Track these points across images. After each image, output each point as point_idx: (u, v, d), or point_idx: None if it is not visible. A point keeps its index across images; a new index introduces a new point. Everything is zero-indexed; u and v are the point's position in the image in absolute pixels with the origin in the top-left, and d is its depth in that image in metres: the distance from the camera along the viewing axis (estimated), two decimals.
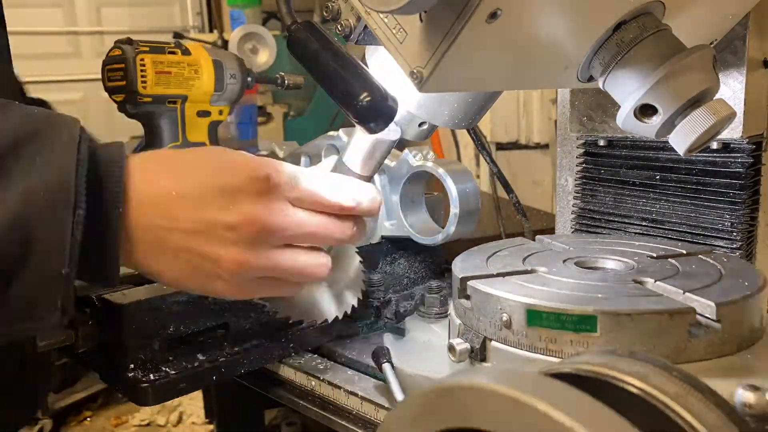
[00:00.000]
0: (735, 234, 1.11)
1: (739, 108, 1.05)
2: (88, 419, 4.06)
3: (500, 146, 4.02)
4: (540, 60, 0.83)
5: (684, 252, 1.04)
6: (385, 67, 0.95)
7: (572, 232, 1.35)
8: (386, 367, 1.00)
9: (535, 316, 0.85)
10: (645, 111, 0.79)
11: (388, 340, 1.14)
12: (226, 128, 3.43)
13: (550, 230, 1.44)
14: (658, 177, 1.19)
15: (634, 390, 0.51)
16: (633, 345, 0.79)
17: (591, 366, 0.54)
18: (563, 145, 1.39)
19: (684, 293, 0.85)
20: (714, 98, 0.78)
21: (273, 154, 1.56)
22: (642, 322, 0.80)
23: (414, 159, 1.27)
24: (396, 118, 0.99)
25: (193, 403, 4.10)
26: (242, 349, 1.13)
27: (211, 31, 5.82)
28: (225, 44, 4.20)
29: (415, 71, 0.75)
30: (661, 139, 0.80)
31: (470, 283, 0.93)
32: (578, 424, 0.39)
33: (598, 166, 1.28)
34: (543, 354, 0.85)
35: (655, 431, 0.47)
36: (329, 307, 1.14)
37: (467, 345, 0.92)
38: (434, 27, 0.72)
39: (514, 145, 4.05)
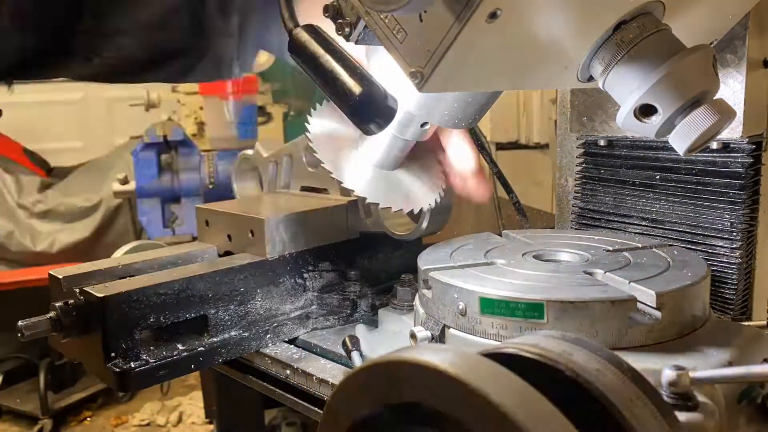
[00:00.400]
0: (735, 234, 1.11)
1: (738, 108, 1.05)
2: (88, 419, 4.09)
3: (500, 146, 3.98)
4: (540, 60, 0.83)
5: (639, 246, 1.07)
6: (385, 68, 0.95)
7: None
8: (354, 355, 1.03)
9: (487, 304, 0.89)
10: (645, 111, 0.79)
11: (360, 330, 1.17)
12: (227, 128, 3.44)
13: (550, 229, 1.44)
14: (658, 177, 1.19)
15: (559, 367, 0.55)
16: (578, 331, 0.83)
17: (521, 346, 0.59)
18: (563, 145, 1.39)
19: (629, 283, 0.88)
20: (714, 98, 0.78)
21: (257, 154, 1.56)
22: (586, 310, 0.84)
23: None
24: (398, 119, 1.02)
25: (193, 403, 4.11)
26: (220, 339, 1.16)
27: None
28: None
29: (415, 71, 0.76)
30: (661, 139, 0.81)
31: (431, 274, 0.97)
32: (495, 396, 0.45)
33: (598, 166, 1.28)
34: (495, 340, 0.89)
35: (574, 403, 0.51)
36: (422, 197, 1.15)
37: (428, 333, 0.96)
38: (434, 27, 0.72)
39: (514, 145, 4.02)
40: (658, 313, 0.85)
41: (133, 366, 1.06)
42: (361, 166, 1.14)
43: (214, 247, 1.33)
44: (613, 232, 1.21)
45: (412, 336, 0.96)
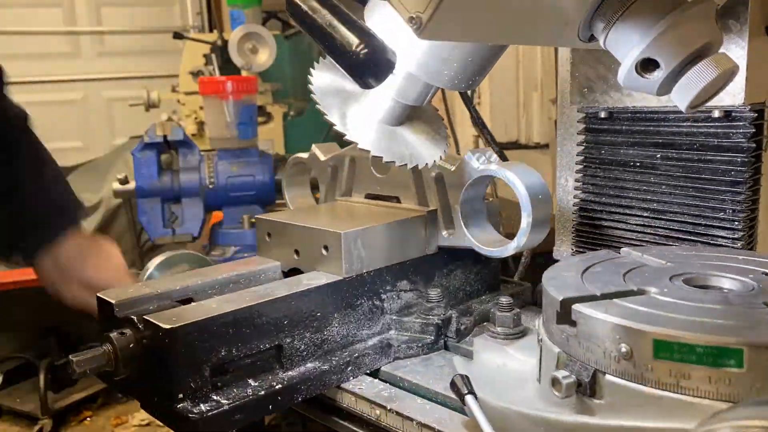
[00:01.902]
0: (736, 223, 1.06)
1: (741, 75, 1.01)
2: (88, 419, 3.92)
3: (500, 146, 3.82)
4: (540, 11, 0.80)
5: None
6: (384, 25, 0.89)
7: (575, 225, 1.28)
8: (470, 400, 0.84)
9: (664, 347, 0.71)
10: (646, 66, 0.76)
11: (459, 364, 0.98)
12: (227, 128, 3.28)
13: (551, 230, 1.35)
14: (659, 156, 1.14)
15: None
16: None
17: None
18: (563, 145, 1.32)
19: None
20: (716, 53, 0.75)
21: (313, 157, 1.36)
22: None
23: (477, 162, 1.10)
24: (398, 83, 0.96)
25: None
26: (298, 373, 0.98)
27: (210, 31, 5.66)
28: (225, 44, 4.07)
29: (414, 16, 0.74)
30: (661, 108, 0.83)
31: (578, 307, 0.78)
32: None
33: (599, 144, 1.21)
34: (673, 391, 0.71)
35: None
36: (426, 151, 1.05)
37: (573, 378, 0.77)
38: None
39: (514, 145, 3.91)
40: None
41: (204, 410, 0.87)
42: (366, 121, 1.02)
43: (278, 264, 1.13)
44: (725, 249, 1.07)
45: (556, 382, 0.77)
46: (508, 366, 0.95)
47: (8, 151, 1.48)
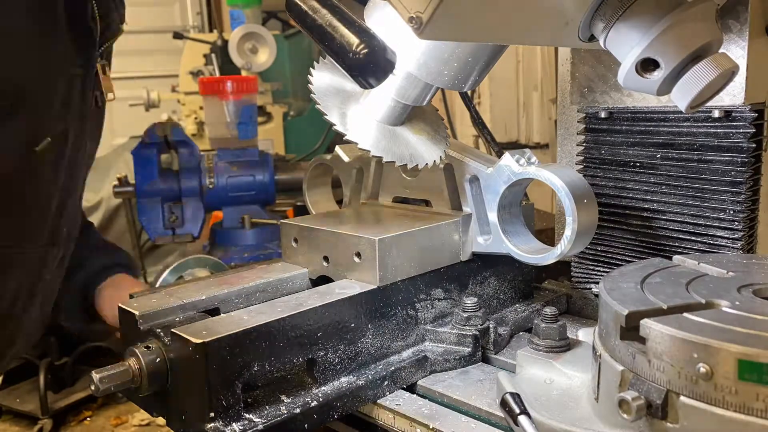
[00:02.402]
0: (736, 223, 1.04)
1: (741, 75, 1.00)
2: (88, 419, 3.88)
3: (500, 146, 3.82)
4: (540, 11, 0.79)
5: None
6: (384, 25, 0.88)
7: None
8: (524, 420, 0.78)
9: (750, 368, 0.63)
10: (646, 66, 0.76)
11: (505, 380, 0.89)
12: (227, 128, 3.23)
13: (551, 230, 1.39)
14: (659, 156, 1.11)
15: None
16: None
17: None
18: (563, 145, 1.30)
19: None
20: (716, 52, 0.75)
21: (337, 158, 1.28)
22: None
23: (517, 164, 1.02)
24: (398, 83, 0.95)
25: None
26: (332, 389, 0.91)
27: (210, 30, 5.60)
28: (225, 44, 4.02)
29: (414, 16, 0.73)
30: (661, 109, 0.82)
31: (647, 323, 0.70)
32: None
33: (599, 144, 1.18)
34: (761, 417, 0.64)
35: None
36: (426, 151, 1.03)
37: (642, 399, 0.70)
38: None
39: (514, 145, 3.87)
40: None
41: (237, 429, 0.80)
42: (366, 121, 1.00)
43: (305, 271, 1.06)
44: None
45: (623, 403, 0.70)
46: (555, 382, 0.88)
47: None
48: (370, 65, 0.82)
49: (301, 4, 0.83)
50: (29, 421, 3.69)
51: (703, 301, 0.75)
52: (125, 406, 3.96)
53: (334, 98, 0.99)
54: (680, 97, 0.76)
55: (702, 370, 0.66)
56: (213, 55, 4.05)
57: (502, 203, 1.05)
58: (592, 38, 0.83)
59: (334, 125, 0.97)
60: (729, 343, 0.64)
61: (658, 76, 0.75)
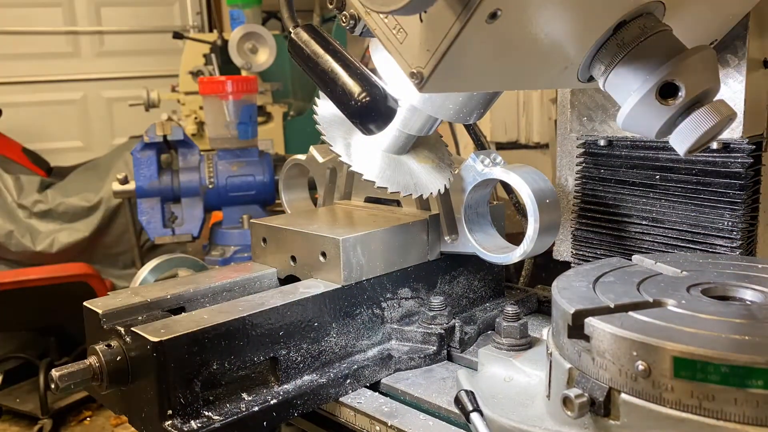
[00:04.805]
0: (735, 233, 1.04)
1: (739, 108, 1.01)
2: (88, 419, 3.89)
3: (500, 146, 3.84)
4: (540, 61, 0.79)
5: None
6: (389, 62, 0.88)
7: (573, 231, 1.23)
8: (476, 417, 0.79)
9: (685, 366, 0.65)
10: None
11: (463, 378, 0.91)
12: (227, 128, 3.25)
13: None
14: (658, 177, 1.12)
15: None
16: None
17: None
18: (563, 145, 1.30)
19: None
20: (715, 99, 0.75)
21: (311, 159, 1.29)
22: None
23: (481, 165, 1.04)
24: (403, 114, 0.96)
25: None
26: (294, 387, 0.92)
27: (210, 30, 5.62)
28: (225, 44, 4.02)
29: (415, 71, 0.73)
30: (661, 140, 0.78)
31: (591, 321, 0.72)
32: None
33: (598, 165, 1.20)
34: (695, 413, 0.65)
35: None
36: (431, 183, 1.04)
37: (586, 397, 0.72)
38: (434, 27, 0.70)
39: (514, 145, 3.87)
40: None
41: (195, 427, 0.81)
42: (370, 150, 1.02)
43: (274, 271, 1.08)
44: (742, 257, 1.03)
45: (567, 401, 0.71)
46: (514, 380, 0.90)
47: None
48: (371, 113, 0.84)
49: (304, 47, 0.86)
50: (29, 421, 3.72)
51: (651, 300, 0.77)
52: None
53: (339, 128, 1.00)
54: (679, 142, 0.76)
55: (641, 367, 0.67)
56: (213, 55, 4.06)
57: (468, 203, 1.07)
58: (591, 79, 0.84)
59: (339, 156, 0.98)
60: (666, 341, 0.66)
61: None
